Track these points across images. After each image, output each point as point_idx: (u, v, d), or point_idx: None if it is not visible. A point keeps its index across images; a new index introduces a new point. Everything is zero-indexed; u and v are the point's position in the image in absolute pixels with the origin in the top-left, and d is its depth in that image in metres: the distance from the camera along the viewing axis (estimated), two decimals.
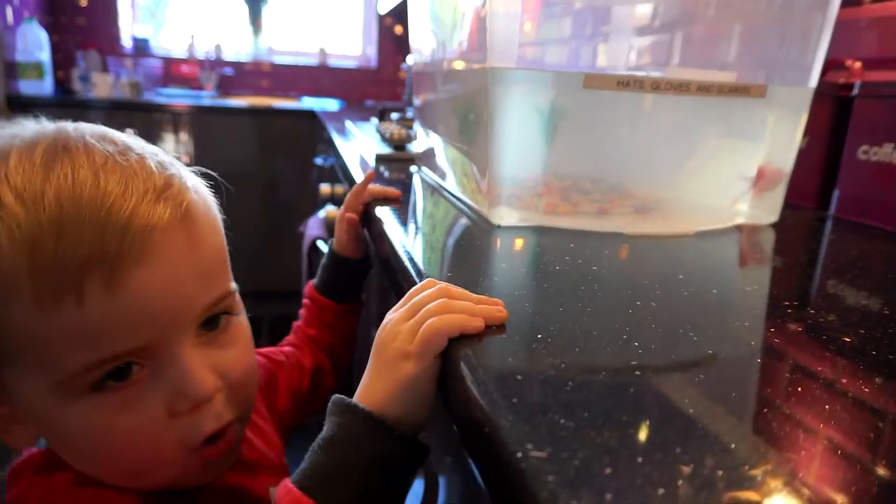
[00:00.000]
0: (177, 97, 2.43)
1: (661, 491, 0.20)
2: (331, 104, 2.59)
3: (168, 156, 0.40)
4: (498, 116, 0.53)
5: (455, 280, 0.41)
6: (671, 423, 0.24)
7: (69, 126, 0.37)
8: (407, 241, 0.50)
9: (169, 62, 2.70)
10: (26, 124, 0.37)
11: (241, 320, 0.42)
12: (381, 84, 2.91)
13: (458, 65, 0.66)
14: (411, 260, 0.44)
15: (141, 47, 2.66)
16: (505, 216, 0.56)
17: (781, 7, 0.62)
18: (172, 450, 0.36)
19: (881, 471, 0.22)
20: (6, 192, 0.31)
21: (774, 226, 0.63)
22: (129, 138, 0.38)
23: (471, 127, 0.62)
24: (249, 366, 0.41)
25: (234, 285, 0.42)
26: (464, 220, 0.59)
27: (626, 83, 0.52)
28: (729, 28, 0.69)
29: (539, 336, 0.32)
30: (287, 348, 0.62)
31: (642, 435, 0.23)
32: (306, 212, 2.44)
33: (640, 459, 0.22)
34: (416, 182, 0.79)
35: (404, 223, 0.58)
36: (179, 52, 2.73)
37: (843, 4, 0.86)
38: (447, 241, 0.54)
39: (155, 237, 0.33)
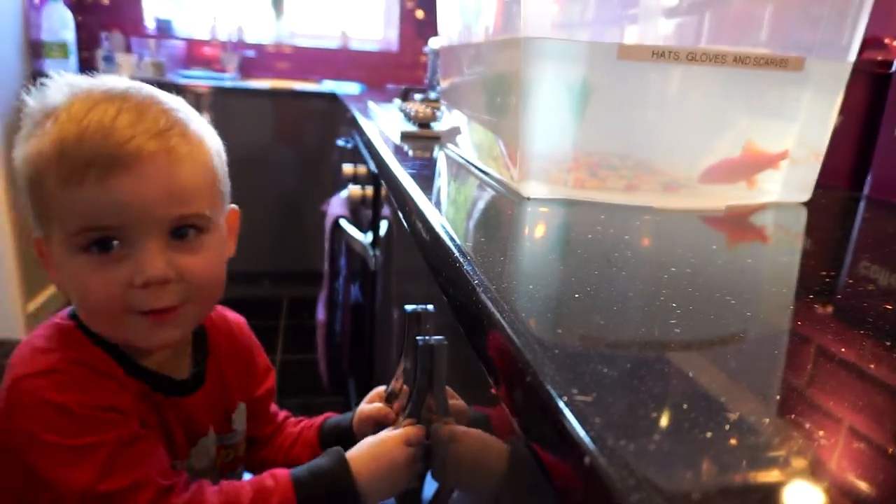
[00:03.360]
0: (199, 78, 2.45)
1: (709, 434, 0.20)
2: (352, 88, 2.59)
3: (188, 113, 0.56)
4: (529, 90, 0.53)
5: (488, 248, 0.41)
6: (713, 376, 0.24)
7: (132, 81, 0.54)
8: (438, 214, 0.50)
9: (191, 44, 2.72)
10: (113, 77, 0.54)
11: (213, 239, 0.55)
12: (402, 68, 2.90)
13: (491, 40, 0.65)
14: (447, 232, 0.45)
15: (164, 28, 2.67)
16: (534, 189, 0.56)
17: None
18: (124, 311, 0.50)
19: None
20: (64, 113, 0.48)
21: (806, 204, 0.62)
22: (168, 97, 0.55)
23: (501, 102, 0.61)
24: (208, 274, 0.54)
25: (209, 212, 0.54)
26: (493, 194, 0.59)
27: (661, 54, 0.51)
28: (761, 7, 0.67)
29: (576, 295, 0.32)
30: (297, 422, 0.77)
31: (685, 386, 0.23)
32: (326, 193, 2.45)
33: (685, 406, 0.22)
34: (443, 158, 0.79)
35: (434, 198, 0.58)
36: (202, 33, 2.75)
37: None
38: (478, 213, 0.54)
39: (142, 157, 0.48)
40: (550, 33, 0.52)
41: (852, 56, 0.59)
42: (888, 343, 0.29)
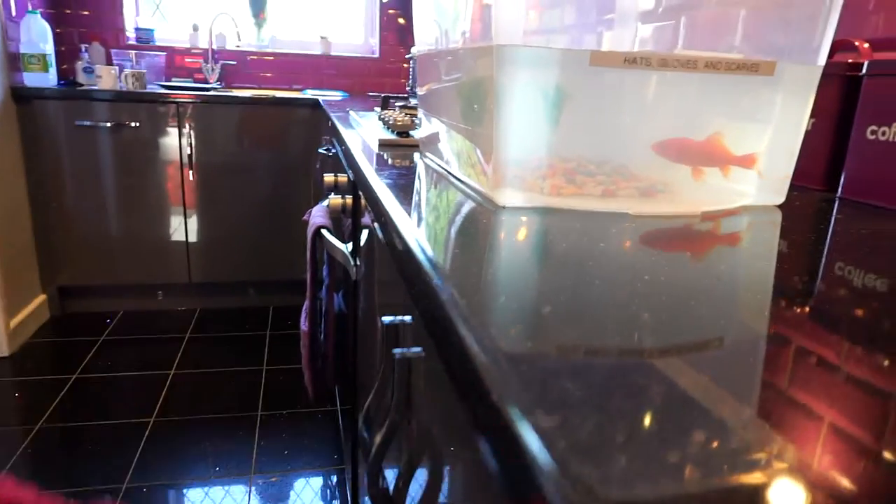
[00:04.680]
0: (180, 89, 2.43)
1: (676, 456, 0.20)
2: (334, 95, 2.58)
3: None
4: (503, 97, 0.53)
5: (460, 259, 0.41)
6: (683, 392, 0.24)
7: None
8: (412, 223, 0.50)
9: (172, 53, 2.70)
10: None
11: None
12: (385, 74, 2.90)
13: (464, 48, 0.65)
14: (418, 243, 0.44)
15: (144, 38, 2.66)
16: (510, 197, 0.56)
17: None
18: None
19: (883, 456, 0.22)
20: None
21: (781, 207, 0.63)
22: None
23: (476, 109, 0.61)
24: None
25: None
26: (468, 203, 0.59)
27: (632, 60, 0.51)
28: (734, 12, 0.68)
29: (548, 308, 0.32)
30: None
31: (655, 403, 0.23)
32: (310, 202, 2.44)
33: (654, 427, 0.21)
34: (420, 167, 0.79)
35: (408, 206, 0.57)
36: (182, 43, 2.73)
37: None
38: (452, 222, 0.53)
39: None
40: (523, 40, 0.52)
41: (822, 59, 0.59)
42: (860, 349, 0.29)
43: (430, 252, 0.41)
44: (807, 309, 0.35)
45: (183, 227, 2.39)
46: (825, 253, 0.49)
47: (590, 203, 0.58)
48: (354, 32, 2.94)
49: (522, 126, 0.56)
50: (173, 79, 2.69)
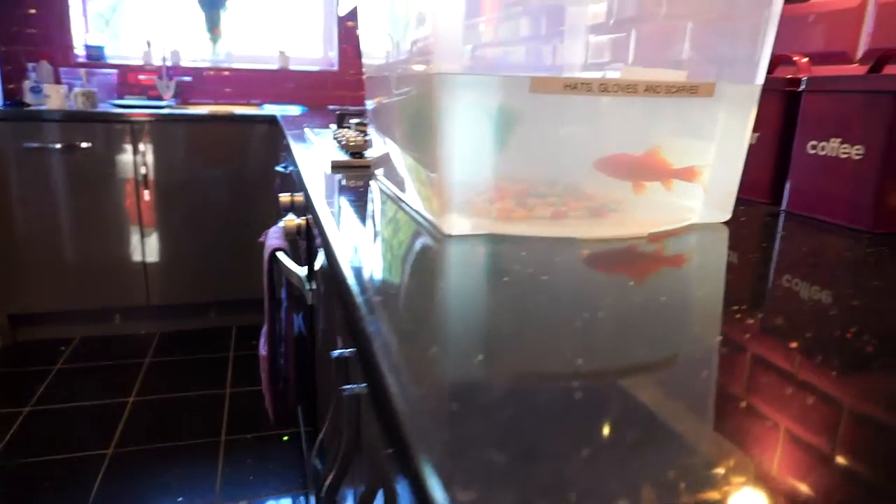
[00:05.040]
0: (134, 107, 2.38)
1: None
2: (293, 110, 2.55)
3: None
4: (445, 121, 0.52)
5: (397, 293, 0.40)
6: (614, 448, 0.23)
7: None
8: (351, 254, 0.48)
9: (124, 70, 2.64)
10: None
11: None
12: (345, 87, 2.88)
13: (408, 68, 0.64)
14: (354, 275, 0.43)
15: (95, 56, 2.59)
16: (456, 225, 0.55)
17: (728, 5, 0.62)
18: None
19: (836, 461, 0.22)
20: None
21: (727, 224, 0.63)
22: None
23: (420, 132, 0.60)
24: None
25: None
26: (415, 231, 0.58)
27: (573, 86, 0.51)
28: (680, 27, 0.69)
29: (480, 356, 0.31)
30: None
31: (582, 464, 0.22)
32: (271, 219, 2.40)
33: (575, 496, 0.21)
34: (372, 191, 0.78)
35: (353, 235, 0.56)
36: (135, 60, 2.67)
37: (789, 0, 0.87)
38: (394, 254, 0.52)
39: None
40: (472, 62, 0.52)
41: (760, 78, 0.60)
42: (809, 365, 0.29)
43: (364, 286, 0.40)
44: (747, 333, 0.35)
45: (140, 249, 2.33)
46: (770, 272, 0.49)
47: (539, 228, 0.58)
48: (313, 46, 2.92)
49: (467, 150, 0.56)
50: (126, 97, 2.63)
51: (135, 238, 2.32)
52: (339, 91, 2.88)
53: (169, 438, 1.76)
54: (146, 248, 2.34)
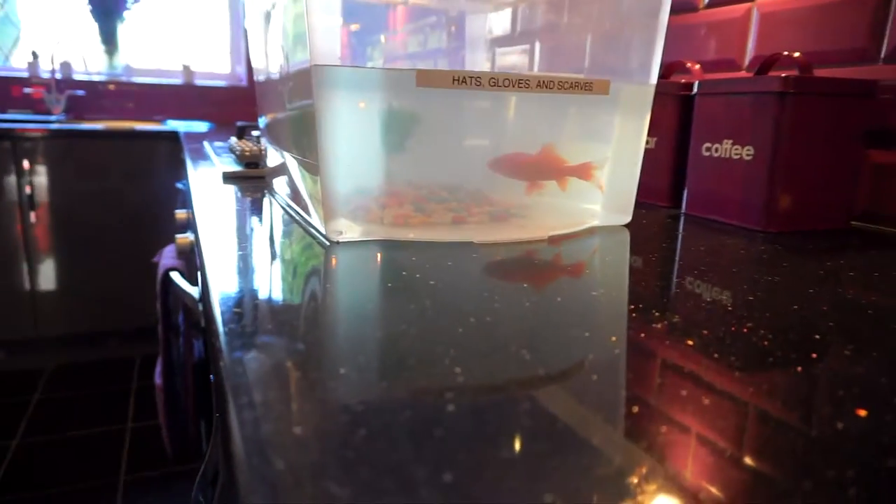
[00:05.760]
0: (17, 121, 2.19)
1: None
2: (199, 126, 2.44)
3: None
4: (325, 119, 0.48)
5: (265, 311, 0.35)
6: (484, 470, 0.20)
7: None
8: (225, 268, 0.43)
9: (7, 83, 2.43)
10: None
11: None
12: (253, 103, 2.78)
13: (293, 73, 0.60)
14: (220, 316, 0.38)
15: None
16: (345, 231, 0.51)
17: (621, 16, 0.61)
18: None
19: (743, 461, 0.19)
20: None
21: (628, 226, 0.62)
22: None
23: (304, 135, 0.56)
24: None
25: None
26: (302, 242, 0.53)
27: (461, 80, 0.48)
28: (580, 39, 0.68)
29: (341, 371, 0.27)
30: None
31: (441, 497, 0.19)
32: (173, 235, 2.26)
33: None
34: (264, 202, 0.72)
35: (233, 251, 0.51)
36: (20, 71, 2.47)
37: (681, 10, 0.89)
38: (273, 268, 0.47)
39: None
40: (343, 61, 0.48)
41: (653, 79, 0.60)
42: (711, 364, 0.27)
43: (225, 303, 0.35)
44: (641, 333, 0.33)
45: (26, 276, 2.13)
46: (669, 272, 0.48)
47: (435, 233, 0.54)
48: (220, 61, 2.81)
49: (354, 152, 0.52)
50: (9, 111, 2.42)
51: (20, 265, 2.12)
52: (247, 107, 2.78)
53: (59, 482, 1.59)
54: (36, 275, 2.14)
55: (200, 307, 0.92)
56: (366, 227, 0.53)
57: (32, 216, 2.10)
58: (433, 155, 0.58)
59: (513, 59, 0.85)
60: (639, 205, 0.63)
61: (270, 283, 0.40)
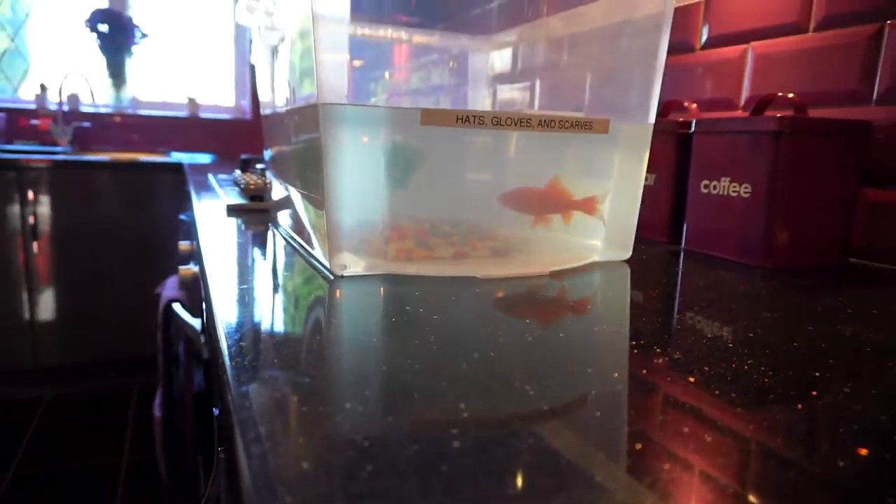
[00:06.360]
0: (23, 152, 2.22)
1: None
2: (203, 158, 2.47)
3: None
4: (331, 156, 0.49)
5: (269, 345, 0.35)
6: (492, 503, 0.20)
7: None
8: (229, 302, 0.44)
9: (14, 115, 2.47)
10: None
11: None
12: (257, 136, 2.82)
13: (299, 108, 0.62)
14: (224, 325, 0.38)
15: None
16: (349, 265, 0.52)
17: (620, 57, 0.63)
18: None
19: (747, 499, 0.19)
20: None
21: (628, 262, 0.63)
22: None
23: (310, 170, 0.57)
24: None
25: None
26: (306, 275, 0.54)
27: (465, 119, 0.49)
28: (578, 76, 0.70)
29: (347, 405, 0.27)
30: None
31: None
32: (176, 267, 2.27)
33: None
34: (270, 236, 0.73)
35: (238, 284, 0.51)
36: (28, 103, 2.51)
37: (679, 50, 0.91)
38: (276, 301, 0.48)
39: None
40: (349, 98, 0.49)
41: (652, 118, 0.61)
42: (714, 400, 0.27)
43: (230, 336, 0.35)
44: (643, 370, 0.33)
45: (26, 306, 2.13)
46: (670, 308, 0.48)
47: (437, 267, 0.55)
48: (225, 94, 2.86)
49: (359, 187, 0.53)
50: (16, 142, 2.45)
51: (20, 294, 2.12)
52: (252, 140, 2.81)
53: None
54: (37, 305, 2.14)
55: (203, 339, 0.93)
56: (369, 261, 0.53)
57: (35, 246, 2.11)
58: (436, 190, 0.59)
59: (514, 94, 0.87)
60: (638, 240, 0.63)
61: (275, 317, 0.41)
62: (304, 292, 0.48)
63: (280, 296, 0.47)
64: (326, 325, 0.40)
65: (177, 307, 1.05)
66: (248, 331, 0.37)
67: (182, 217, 1.71)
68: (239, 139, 2.80)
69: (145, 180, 2.22)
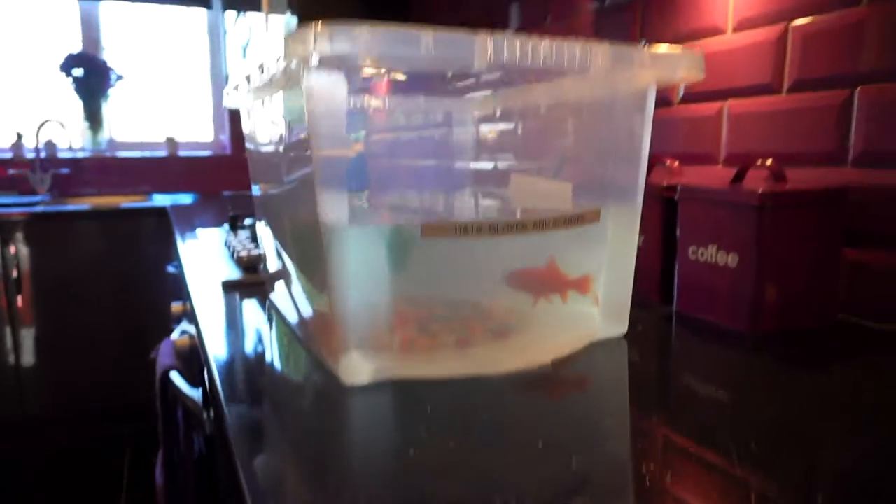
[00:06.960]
0: (5, 207, 2.19)
1: None
2: (184, 198, 2.46)
3: None
4: (337, 273, 0.50)
5: (280, 478, 0.36)
6: None
7: None
8: (246, 436, 0.45)
9: None
10: None
11: None
12: (239, 170, 2.81)
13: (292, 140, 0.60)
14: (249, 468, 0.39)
15: None
16: (357, 371, 0.53)
17: (605, 132, 0.65)
18: None
19: None
20: None
21: (626, 336, 0.65)
22: None
23: (310, 260, 0.58)
24: None
25: None
26: (310, 383, 0.54)
27: (464, 229, 0.51)
28: (564, 139, 0.72)
29: None
30: None
31: None
32: (164, 319, 2.25)
33: None
34: (267, 320, 0.74)
35: (247, 382, 0.52)
36: (4, 152, 2.48)
37: (657, 104, 0.94)
38: (275, 420, 0.49)
39: None
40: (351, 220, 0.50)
41: (640, 199, 0.63)
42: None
43: (257, 479, 0.36)
44: (643, 468, 0.34)
45: (11, 356, 2.10)
46: (669, 387, 0.50)
47: (443, 365, 0.56)
48: (203, 129, 2.85)
49: (363, 287, 0.54)
50: None
51: (4, 345, 2.09)
52: (232, 174, 2.81)
53: None
54: (21, 353, 2.12)
55: (205, 415, 0.93)
56: (377, 363, 0.54)
57: (19, 300, 2.09)
58: (433, 273, 0.61)
59: (495, 139, 0.88)
60: (633, 302, 0.65)
61: (282, 446, 0.42)
62: (307, 412, 0.49)
63: (289, 407, 0.48)
64: (335, 461, 0.41)
65: (174, 376, 1.05)
66: (260, 450, 0.38)
67: (170, 269, 1.71)
68: (220, 175, 2.79)
69: (128, 226, 2.21)
